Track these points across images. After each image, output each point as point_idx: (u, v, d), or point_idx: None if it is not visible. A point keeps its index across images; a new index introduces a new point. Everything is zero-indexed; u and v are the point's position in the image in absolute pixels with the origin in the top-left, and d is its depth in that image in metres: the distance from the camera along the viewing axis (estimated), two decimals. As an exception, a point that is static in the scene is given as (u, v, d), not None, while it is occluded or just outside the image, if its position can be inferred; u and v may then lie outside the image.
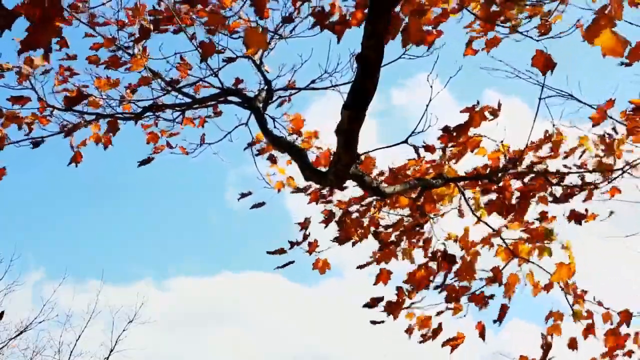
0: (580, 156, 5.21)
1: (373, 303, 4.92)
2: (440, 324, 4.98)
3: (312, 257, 5.37)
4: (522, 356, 4.27)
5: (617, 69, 3.42)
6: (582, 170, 5.20)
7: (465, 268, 4.98)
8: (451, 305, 4.97)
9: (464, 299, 4.99)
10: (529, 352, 4.44)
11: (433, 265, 5.05)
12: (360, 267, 5.24)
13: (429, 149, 4.74)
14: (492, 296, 5.02)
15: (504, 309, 4.98)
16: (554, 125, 4.96)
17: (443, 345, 4.88)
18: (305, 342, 24.88)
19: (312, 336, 25.17)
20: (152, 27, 4.84)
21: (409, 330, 5.03)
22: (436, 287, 5.00)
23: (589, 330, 4.87)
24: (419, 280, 4.98)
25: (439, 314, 4.94)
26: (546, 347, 3.59)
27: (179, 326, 25.79)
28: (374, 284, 5.17)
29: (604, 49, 2.90)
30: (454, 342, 4.89)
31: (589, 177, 5.24)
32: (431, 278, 5.02)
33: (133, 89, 5.20)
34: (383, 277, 5.17)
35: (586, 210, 5.20)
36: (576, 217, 5.20)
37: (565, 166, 5.21)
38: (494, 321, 4.97)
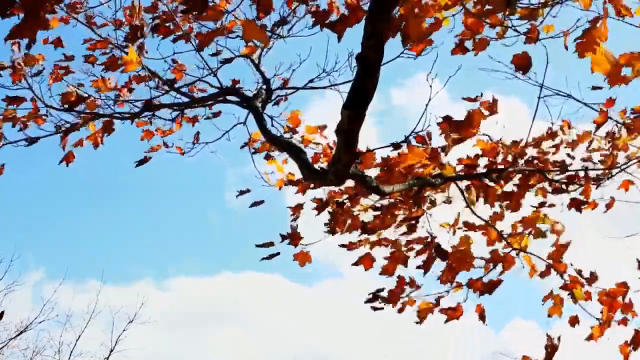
0: (589, 147, 5.22)
1: (374, 297, 4.90)
2: (438, 299, 4.95)
3: (317, 257, 5.35)
4: (525, 356, 4.28)
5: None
6: (585, 163, 5.22)
7: (459, 257, 4.95)
8: (451, 288, 4.96)
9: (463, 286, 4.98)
10: (529, 351, 4.45)
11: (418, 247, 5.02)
12: (345, 246, 5.16)
13: (419, 138, 4.70)
14: (492, 281, 5.01)
15: (496, 282, 4.96)
16: (552, 124, 4.97)
17: (441, 311, 4.87)
18: (305, 342, 24.93)
19: (312, 336, 25.23)
20: (147, 27, 4.84)
21: (401, 309, 5.00)
22: (418, 267, 4.99)
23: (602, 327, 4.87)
24: (397, 261, 4.95)
25: (439, 299, 4.93)
26: (551, 349, 3.59)
27: (179, 326, 25.82)
28: (353, 264, 5.11)
29: (594, 64, 2.93)
30: (453, 313, 4.88)
31: (592, 173, 5.26)
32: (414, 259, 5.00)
33: (130, 89, 5.18)
34: (366, 261, 5.12)
35: (587, 197, 5.19)
36: (576, 205, 5.18)
37: (568, 155, 5.23)
38: (480, 293, 4.94)
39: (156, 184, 29.99)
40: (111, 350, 17.12)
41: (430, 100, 3.87)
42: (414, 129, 3.93)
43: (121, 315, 18.01)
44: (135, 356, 19.15)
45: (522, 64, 4.09)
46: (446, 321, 4.97)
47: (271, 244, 5.07)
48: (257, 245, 5.04)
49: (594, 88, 4.90)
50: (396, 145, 4.55)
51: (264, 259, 5.05)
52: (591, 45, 2.89)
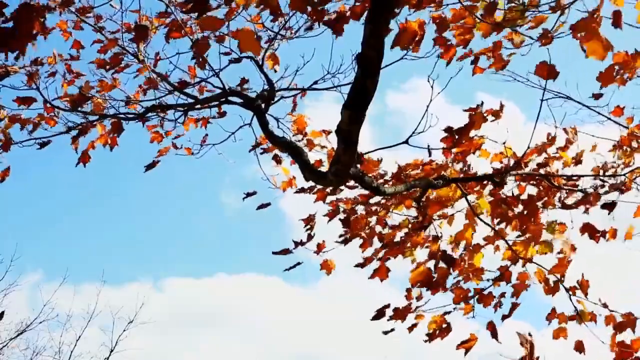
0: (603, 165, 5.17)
1: (380, 314, 4.87)
2: (448, 324, 4.90)
3: (314, 257, 5.35)
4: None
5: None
6: (592, 175, 5.17)
7: (469, 266, 4.92)
8: (461, 306, 4.93)
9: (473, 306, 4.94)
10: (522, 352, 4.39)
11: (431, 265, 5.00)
12: (360, 265, 5.16)
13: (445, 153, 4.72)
14: (503, 294, 4.97)
15: (514, 307, 4.92)
16: (556, 127, 4.95)
17: (458, 347, 4.78)
18: (304, 342, 24.92)
19: (311, 336, 25.19)
20: (153, 30, 4.90)
21: (412, 328, 4.95)
22: (434, 287, 4.95)
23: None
24: (420, 279, 4.93)
25: (445, 314, 4.89)
26: (529, 345, 3.54)
27: (176, 327, 25.71)
28: (369, 278, 5.07)
29: (588, 49, 2.90)
30: (467, 345, 4.79)
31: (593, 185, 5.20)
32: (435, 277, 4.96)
33: (144, 90, 5.23)
34: (381, 272, 5.08)
35: (603, 231, 5.09)
36: (590, 231, 5.07)
37: (578, 176, 5.17)
38: (502, 318, 4.91)
39: (154, 185, 30.08)
40: (111, 351, 17.14)
41: (431, 101, 3.87)
42: (415, 130, 3.92)
43: (120, 316, 18.01)
44: (134, 356, 19.34)
45: (547, 72, 3.92)
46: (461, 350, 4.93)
47: (287, 251, 5.12)
48: (274, 253, 5.12)
49: (595, 96, 4.88)
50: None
51: (286, 270, 5.13)
52: (589, 30, 2.86)
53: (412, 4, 3.86)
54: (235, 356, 23.63)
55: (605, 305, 4.86)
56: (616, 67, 3.28)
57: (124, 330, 17.48)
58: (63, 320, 18.12)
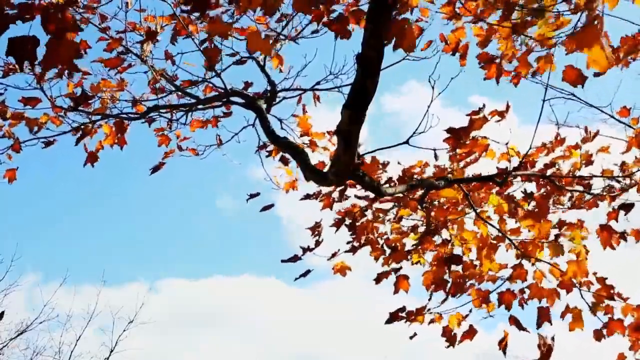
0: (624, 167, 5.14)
1: (395, 317, 4.86)
2: (471, 326, 4.89)
3: (316, 260, 5.36)
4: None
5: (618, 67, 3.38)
6: (603, 177, 5.14)
7: (474, 268, 4.90)
8: (482, 307, 4.91)
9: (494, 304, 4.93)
10: (520, 351, 4.39)
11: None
12: (375, 280, 5.16)
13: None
14: (523, 290, 4.93)
15: (544, 311, 4.82)
16: (559, 127, 4.93)
17: (500, 346, 4.73)
18: (304, 342, 24.98)
19: (311, 336, 25.24)
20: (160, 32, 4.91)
21: (447, 333, 4.92)
22: (448, 292, 4.94)
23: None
24: (433, 281, 4.92)
25: (465, 317, 4.87)
26: (546, 349, 3.51)
27: (176, 327, 25.78)
28: (394, 293, 5.07)
29: (590, 61, 2.86)
30: (503, 343, 4.76)
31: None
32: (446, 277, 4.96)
33: (155, 91, 5.25)
34: (402, 284, 5.08)
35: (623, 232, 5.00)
36: (608, 233, 4.92)
37: (591, 175, 5.14)
38: (538, 325, 4.82)
39: (153, 186, 30.16)
40: (111, 351, 17.16)
41: (432, 101, 3.86)
42: (415, 130, 3.91)
43: (119, 316, 18.01)
44: (134, 357, 19.41)
45: (576, 78, 3.83)
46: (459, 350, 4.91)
47: (297, 257, 5.15)
48: (283, 261, 5.15)
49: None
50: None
51: (297, 279, 5.14)
52: (589, 41, 2.83)
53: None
54: (235, 356, 23.71)
55: (619, 295, 4.79)
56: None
57: (124, 331, 17.50)
58: (63, 321, 18.32)
